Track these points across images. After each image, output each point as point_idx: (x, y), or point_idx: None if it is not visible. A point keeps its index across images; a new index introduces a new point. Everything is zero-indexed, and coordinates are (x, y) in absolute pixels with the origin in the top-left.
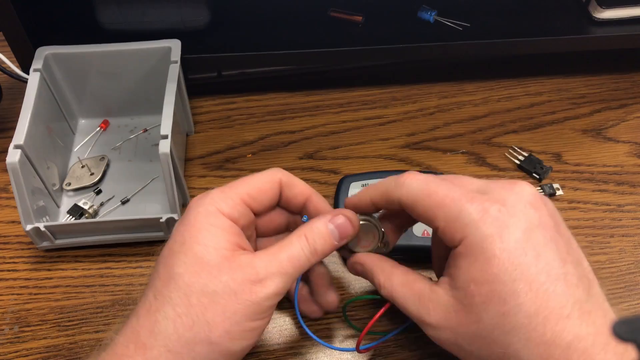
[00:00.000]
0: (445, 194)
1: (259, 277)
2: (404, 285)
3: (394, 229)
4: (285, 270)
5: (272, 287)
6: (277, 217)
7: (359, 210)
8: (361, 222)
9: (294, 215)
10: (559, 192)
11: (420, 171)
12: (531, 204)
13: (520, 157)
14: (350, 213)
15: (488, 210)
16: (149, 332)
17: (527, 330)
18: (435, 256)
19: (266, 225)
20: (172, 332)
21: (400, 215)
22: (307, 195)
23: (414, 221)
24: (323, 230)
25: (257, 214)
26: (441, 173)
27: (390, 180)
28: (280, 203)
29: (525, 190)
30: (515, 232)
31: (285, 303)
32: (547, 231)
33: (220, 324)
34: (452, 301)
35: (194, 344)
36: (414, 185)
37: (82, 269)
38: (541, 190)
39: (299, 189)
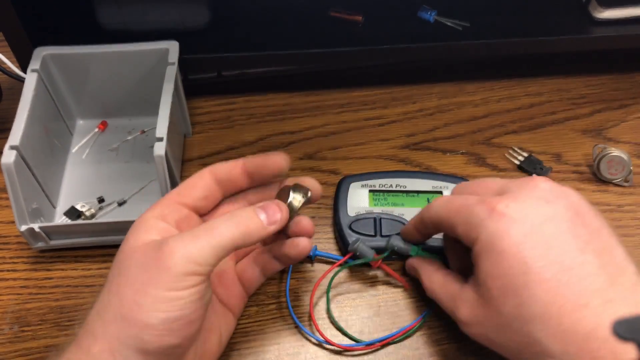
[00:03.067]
0: (461, 202)
1: (169, 244)
2: (442, 286)
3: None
4: (199, 234)
5: (181, 250)
6: (233, 208)
7: (412, 238)
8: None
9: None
10: None
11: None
12: (544, 198)
13: (520, 158)
14: (276, 200)
15: (495, 209)
16: (81, 325)
17: (544, 319)
18: (451, 259)
19: None
20: (93, 314)
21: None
22: (239, 165)
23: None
24: (250, 209)
25: (197, 209)
26: (465, 179)
27: (425, 207)
28: (225, 191)
29: (538, 186)
30: (523, 227)
31: (283, 304)
32: (563, 223)
33: (130, 296)
34: (477, 297)
35: (109, 323)
36: (437, 203)
37: (82, 269)
38: None
39: (228, 165)
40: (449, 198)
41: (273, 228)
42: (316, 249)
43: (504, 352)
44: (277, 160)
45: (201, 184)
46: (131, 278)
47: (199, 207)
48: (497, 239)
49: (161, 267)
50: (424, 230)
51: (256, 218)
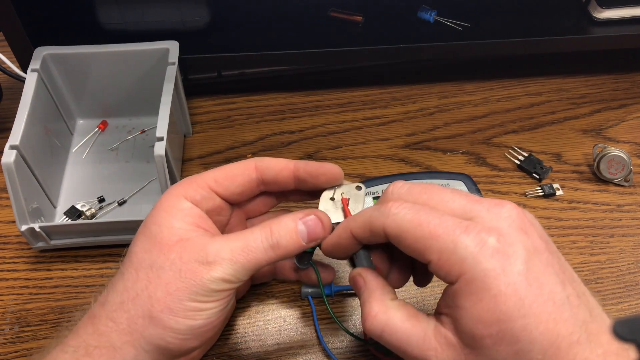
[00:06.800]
0: (437, 223)
1: (207, 260)
2: (408, 319)
3: (401, 268)
4: (237, 258)
5: (219, 271)
6: (264, 205)
7: (341, 248)
8: None
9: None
10: (559, 192)
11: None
12: (521, 228)
13: (520, 157)
14: (322, 214)
15: (486, 242)
16: (100, 304)
17: None
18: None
19: (256, 213)
20: (117, 303)
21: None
22: (290, 168)
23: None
24: (291, 226)
25: (230, 200)
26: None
27: (372, 209)
28: (266, 188)
29: (513, 213)
30: (516, 263)
31: (285, 304)
32: (542, 255)
33: (162, 299)
34: (461, 344)
35: (137, 317)
36: (401, 214)
37: (82, 269)
38: (541, 191)
39: (278, 166)
40: (417, 210)
41: (312, 244)
42: (332, 284)
43: None
44: (334, 170)
45: (241, 178)
46: (165, 279)
47: (232, 200)
48: (491, 279)
49: (198, 281)
50: (367, 238)
51: (295, 236)
